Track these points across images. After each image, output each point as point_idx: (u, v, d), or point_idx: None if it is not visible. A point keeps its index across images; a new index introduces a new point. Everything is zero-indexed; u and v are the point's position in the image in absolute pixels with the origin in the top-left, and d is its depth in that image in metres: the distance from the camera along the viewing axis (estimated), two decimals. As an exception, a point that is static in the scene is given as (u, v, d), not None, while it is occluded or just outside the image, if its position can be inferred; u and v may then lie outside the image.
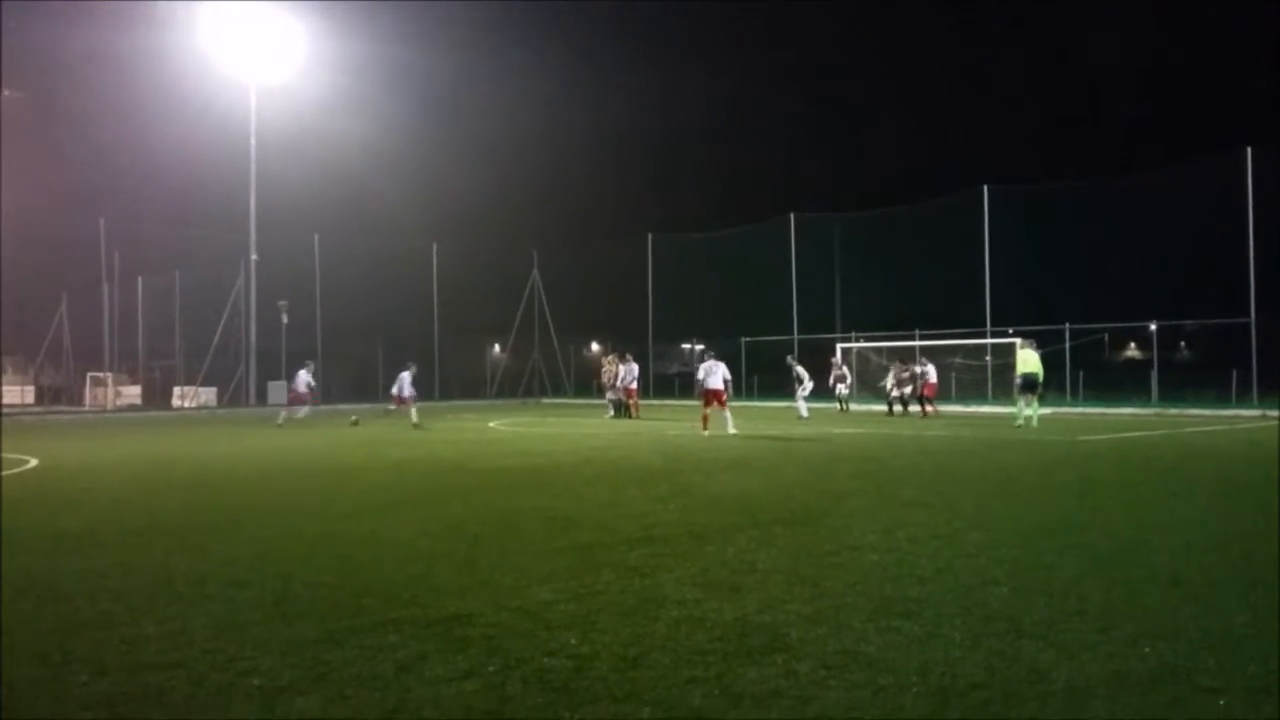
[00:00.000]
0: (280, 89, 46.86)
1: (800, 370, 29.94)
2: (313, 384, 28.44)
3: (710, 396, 21.30)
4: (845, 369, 33.68)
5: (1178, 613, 5.61)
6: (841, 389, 33.13)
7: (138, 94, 65.36)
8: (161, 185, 58.44)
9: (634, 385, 30.16)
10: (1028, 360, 22.53)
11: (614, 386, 30.79)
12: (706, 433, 20.76)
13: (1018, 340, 23.39)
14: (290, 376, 28.78)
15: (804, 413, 28.48)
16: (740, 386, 41.88)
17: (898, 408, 29.67)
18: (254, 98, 46.18)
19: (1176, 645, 4.94)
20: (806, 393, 29.54)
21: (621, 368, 30.35)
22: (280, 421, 27.28)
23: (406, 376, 27.19)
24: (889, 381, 30.45)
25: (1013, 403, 23.85)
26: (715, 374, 21.30)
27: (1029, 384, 22.38)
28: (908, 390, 29.62)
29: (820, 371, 32.49)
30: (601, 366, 33.38)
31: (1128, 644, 4.97)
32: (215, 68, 45.57)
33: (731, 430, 20.69)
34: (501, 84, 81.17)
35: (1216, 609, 5.67)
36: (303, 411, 28.39)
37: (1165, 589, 6.18)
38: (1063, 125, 67.98)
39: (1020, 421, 22.18)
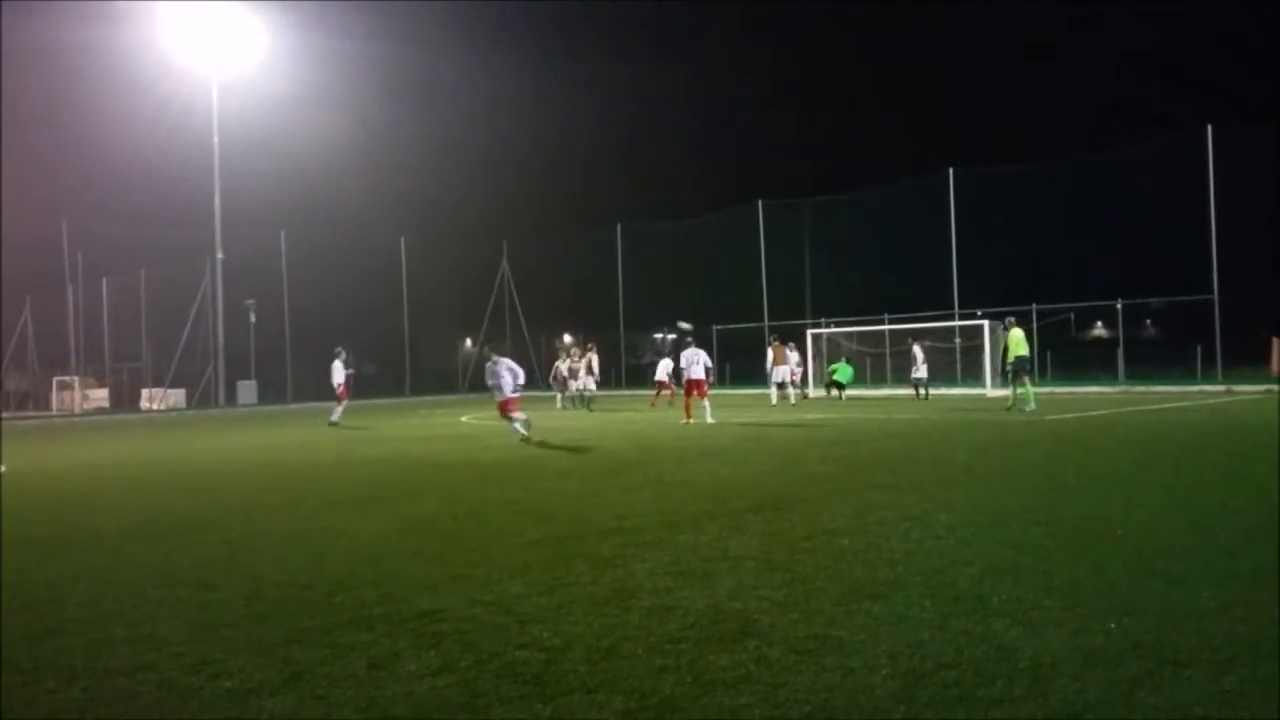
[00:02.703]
0: (242, 84, 46.38)
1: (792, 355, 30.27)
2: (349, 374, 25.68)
3: (692, 386, 21.31)
4: (797, 354, 33.02)
5: (1143, 588, 5.69)
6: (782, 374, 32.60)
7: (97, 91, 64.50)
8: (124, 184, 57.76)
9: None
10: (1022, 341, 21.92)
11: (565, 380, 30.61)
12: (688, 421, 20.78)
13: (1008, 319, 22.78)
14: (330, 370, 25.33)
15: (774, 400, 28.69)
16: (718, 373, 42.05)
17: (922, 391, 29.24)
18: (215, 93, 45.68)
19: (1143, 620, 5.01)
20: (780, 378, 29.61)
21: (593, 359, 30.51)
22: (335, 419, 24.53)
23: (338, 364, 25.15)
24: (918, 365, 29.69)
25: (979, 384, 23.97)
26: (697, 363, 21.33)
27: (1024, 365, 21.91)
28: (922, 374, 29.27)
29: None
30: (560, 358, 32.42)
31: (1094, 620, 5.03)
32: (175, 63, 45.03)
33: (710, 420, 20.66)
34: (467, 76, 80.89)
35: (1182, 583, 5.75)
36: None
37: (1131, 565, 6.26)
38: (1026, 107, 68.41)
39: (1012, 403, 21.80)
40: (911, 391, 29.76)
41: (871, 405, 27.06)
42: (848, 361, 32.96)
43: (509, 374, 17.58)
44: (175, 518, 9.96)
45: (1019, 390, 21.75)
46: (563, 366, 31.06)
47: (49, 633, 5.53)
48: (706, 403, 21.18)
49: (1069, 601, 5.41)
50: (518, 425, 17.49)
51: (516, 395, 17.65)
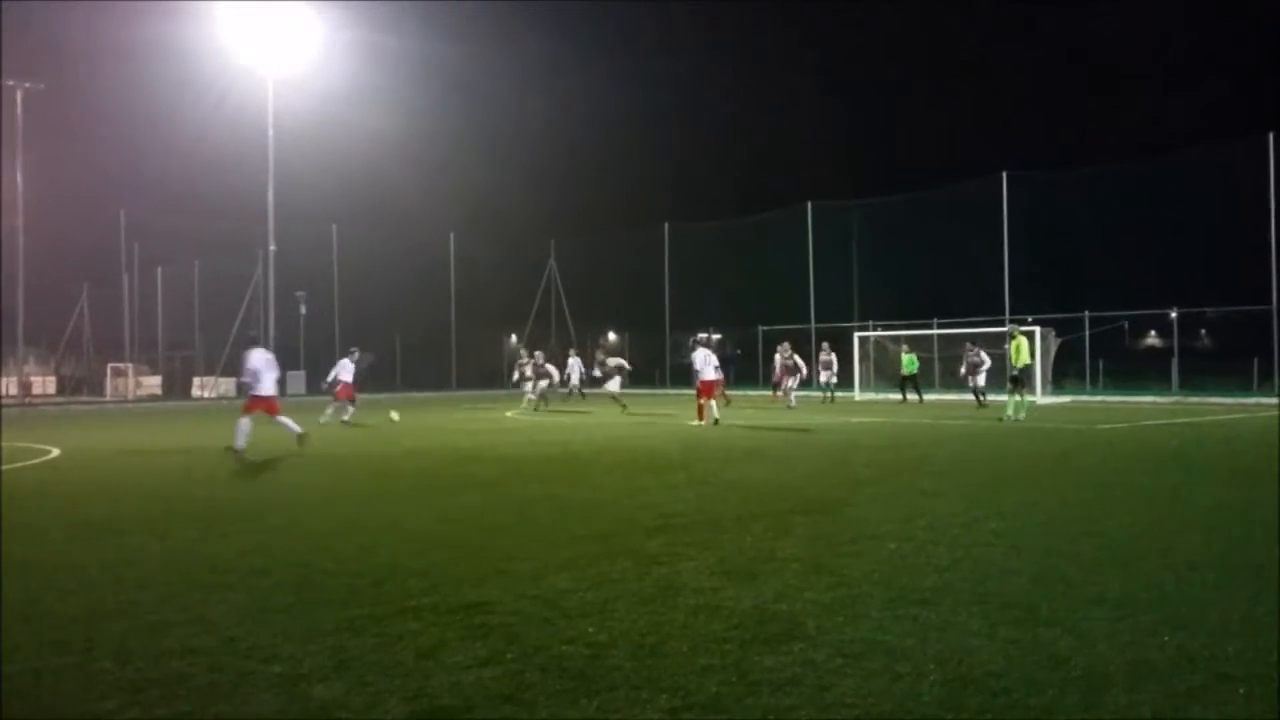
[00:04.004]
0: (298, 81, 46.93)
1: (798, 359, 29.65)
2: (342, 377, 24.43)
3: (705, 388, 21.22)
4: (833, 357, 32.29)
5: (1197, 601, 5.58)
6: (828, 377, 31.92)
7: (156, 86, 65.82)
8: (180, 177, 58.86)
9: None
10: (1026, 349, 21.73)
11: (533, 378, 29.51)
12: (699, 424, 20.66)
13: (1012, 327, 22.51)
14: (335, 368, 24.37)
15: (793, 402, 28.31)
16: (757, 375, 41.89)
17: (984, 398, 26.87)
18: (271, 89, 46.28)
19: (1196, 634, 4.92)
20: (797, 383, 29.23)
21: (572, 361, 31.12)
22: (323, 419, 23.60)
23: (345, 362, 24.19)
24: (965, 369, 28.05)
25: (1029, 391, 23.53)
26: (710, 365, 21.32)
27: (1025, 374, 21.79)
28: (980, 379, 27.23)
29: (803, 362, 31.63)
30: (523, 360, 31.29)
31: (1147, 633, 4.95)
32: (232, 59, 45.66)
33: (715, 418, 20.70)
34: (518, 74, 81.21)
35: (1236, 597, 5.64)
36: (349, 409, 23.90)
37: (1184, 577, 6.15)
38: (1082, 111, 67.51)
39: (1010, 413, 21.30)
40: (972, 398, 28.35)
41: (915, 410, 26.79)
42: (908, 351, 31.82)
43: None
44: (225, 505, 10.11)
45: (1014, 398, 21.53)
46: (528, 367, 30.27)
47: (105, 614, 5.63)
48: (714, 402, 21.23)
49: (1121, 613, 5.32)
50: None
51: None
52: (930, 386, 34.78)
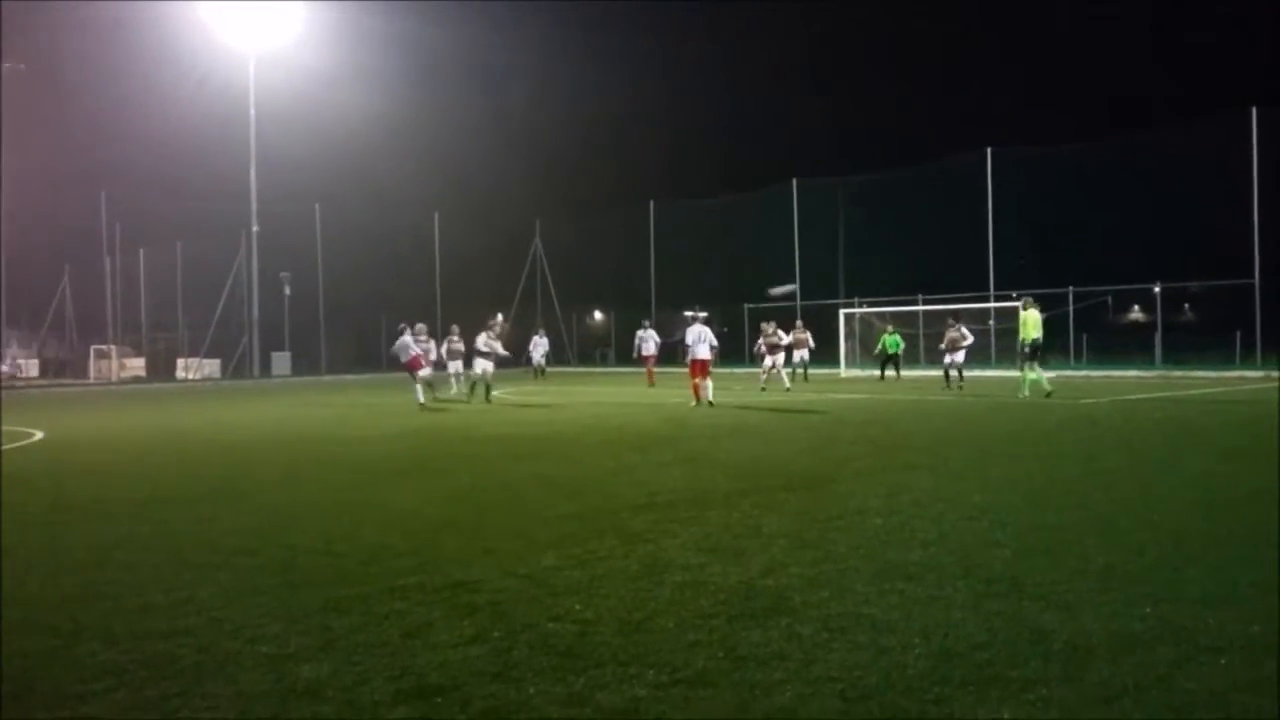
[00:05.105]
0: (280, 57, 46.61)
1: (782, 335, 28.18)
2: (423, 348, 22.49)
3: (698, 367, 20.16)
4: (808, 334, 31.09)
5: (1180, 573, 5.63)
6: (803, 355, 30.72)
7: (136, 64, 65.12)
8: (162, 157, 58.24)
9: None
10: (1038, 323, 21.00)
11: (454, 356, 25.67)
12: (695, 404, 19.68)
13: (1026, 299, 21.77)
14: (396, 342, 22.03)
15: (787, 383, 26.57)
16: (744, 354, 41.90)
17: (953, 374, 25.85)
18: (253, 66, 45.94)
19: (1178, 605, 4.97)
20: (782, 360, 28.14)
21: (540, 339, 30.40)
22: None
23: (407, 340, 21.98)
24: (945, 344, 26.72)
25: (1013, 366, 23.29)
26: (704, 342, 20.25)
27: (1037, 348, 21.04)
28: (960, 356, 26.05)
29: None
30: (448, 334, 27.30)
31: (1129, 604, 4.99)
32: (214, 36, 45.33)
33: (709, 399, 19.71)
34: (501, 52, 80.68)
35: (1219, 569, 5.69)
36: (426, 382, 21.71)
37: (1168, 550, 6.20)
38: (1066, 86, 67.45)
39: (1028, 392, 20.69)
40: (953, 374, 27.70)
41: (898, 387, 26.87)
42: (891, 333, 31.32)
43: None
44: (211, 486, 10.09)
45: (1031, 376, 20.80)
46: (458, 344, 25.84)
47: (91, 597, 5.62)
48: (709, 382, 20.17)
49: (1104, 585, 5.37)
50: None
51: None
52: (916, 363, 34.81)
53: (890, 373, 30.09)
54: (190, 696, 4.03)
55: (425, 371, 21.88)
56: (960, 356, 26.30)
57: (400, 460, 12.24)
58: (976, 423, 15.67)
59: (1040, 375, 20.81)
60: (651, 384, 29.10)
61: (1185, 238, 34.24)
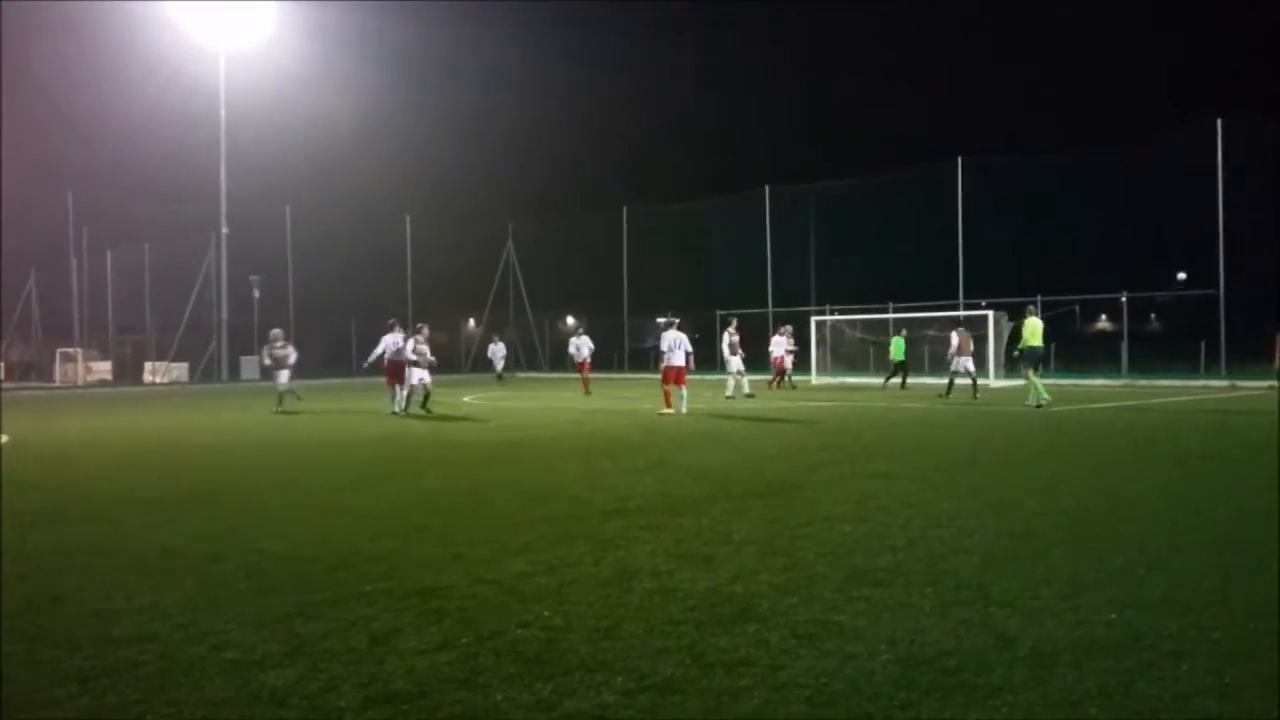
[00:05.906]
0: (250, 57, 46.25)
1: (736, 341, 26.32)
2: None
3: (671, 373, 19.75)
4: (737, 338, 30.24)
5: (1144, 580, 5.69)
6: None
7: (104, 63, 64.43)
8: (130, 157, 57.81)
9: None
10: (1039, 331, 20.63)
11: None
12: (668, 411, 19.19)
13: (1029, 307, 21.61)
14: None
15: (746, 388, 25.65)
16: (715, 359, 41.96)
17: (964, 380, 24.45)
18: (223, 66, 45.56)
19: (1142, 612, 5.02)
20: (742, 366, 27.49)
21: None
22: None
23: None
24: (953, 350, 24.99)
25: (982, 374, 23.27)
26: (680, 348, 19.88)
27: (1036, 356, 20.76)
28: (969, 363, 24.50)
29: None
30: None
31: (1094, 611, 5.04)
32: (184, 34, 44.91)
33: (683, 410, 19.26)
34: (476, 55, 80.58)
35: (1182, 575, 5.76)
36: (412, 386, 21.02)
37: (1132, 557, 6.27)
38: (1035, 97, 68.23)
39: (1038, 400, 20.13)
40: (965, 381, 25.20)
41: (874, 394, 27.00)
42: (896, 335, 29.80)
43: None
44: (178, 491, 9.99)
45: (1037, 382, 20.58)
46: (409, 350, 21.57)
47: (52, 602, 5.55)
48: (684, 391, 19.72)
49: (1070, 592, 5.42)
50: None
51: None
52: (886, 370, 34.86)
53: (894, 380, 29.21)
54: (154, 703, 3.99)
55: (420, 377, 21.11)
56: (970, 363, 24.67)
57: (369, 465, 12.18)
58: (947, 430, 15.77)
59: (1037, 384, 20.80)
60: (588, 392, 28.07)
61: (1152, 248, 34.67)
